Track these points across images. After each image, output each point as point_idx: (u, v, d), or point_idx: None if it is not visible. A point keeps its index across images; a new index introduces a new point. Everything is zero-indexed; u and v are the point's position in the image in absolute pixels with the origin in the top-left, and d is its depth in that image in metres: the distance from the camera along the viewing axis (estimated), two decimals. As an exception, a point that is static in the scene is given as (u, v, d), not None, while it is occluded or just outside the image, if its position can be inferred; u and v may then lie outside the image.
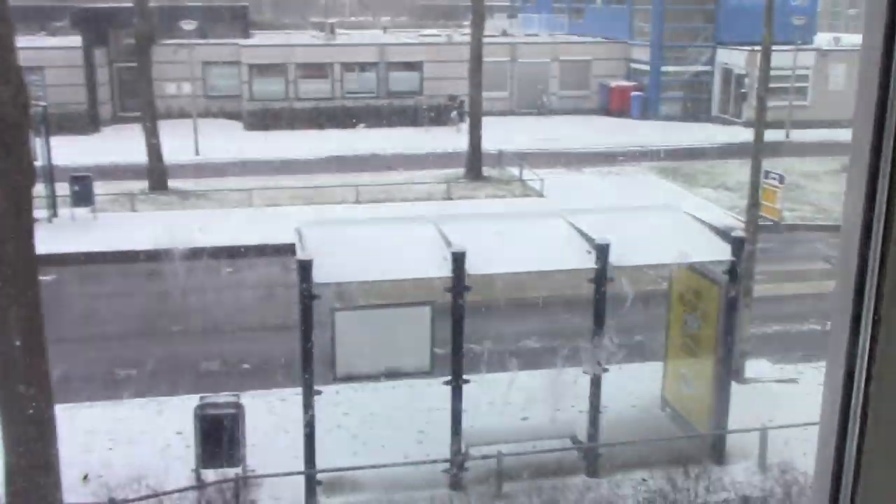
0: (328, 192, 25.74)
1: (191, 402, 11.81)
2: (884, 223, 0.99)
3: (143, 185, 26.30)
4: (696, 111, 40.88)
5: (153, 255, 19.52)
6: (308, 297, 10.57)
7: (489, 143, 29.41)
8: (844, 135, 30.62)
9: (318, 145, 33.41)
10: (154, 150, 26.32)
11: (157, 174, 26.49)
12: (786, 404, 13.28)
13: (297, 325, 10.77)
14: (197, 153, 31.30)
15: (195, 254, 19.76)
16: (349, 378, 11.88)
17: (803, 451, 11.48)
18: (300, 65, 40.04)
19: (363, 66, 40.86)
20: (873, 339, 0.98)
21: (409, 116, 38.57)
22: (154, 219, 23.25)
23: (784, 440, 11.70)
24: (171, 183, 26.75)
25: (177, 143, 29.96)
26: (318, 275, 10.64)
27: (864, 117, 1.01)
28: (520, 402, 13.27)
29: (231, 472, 10.99)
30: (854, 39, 48.94)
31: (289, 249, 16.99)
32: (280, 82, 39.72)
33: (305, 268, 10.56)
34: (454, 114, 37.34)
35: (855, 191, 1.03)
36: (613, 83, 41.99)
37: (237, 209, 24.26)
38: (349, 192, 25.60)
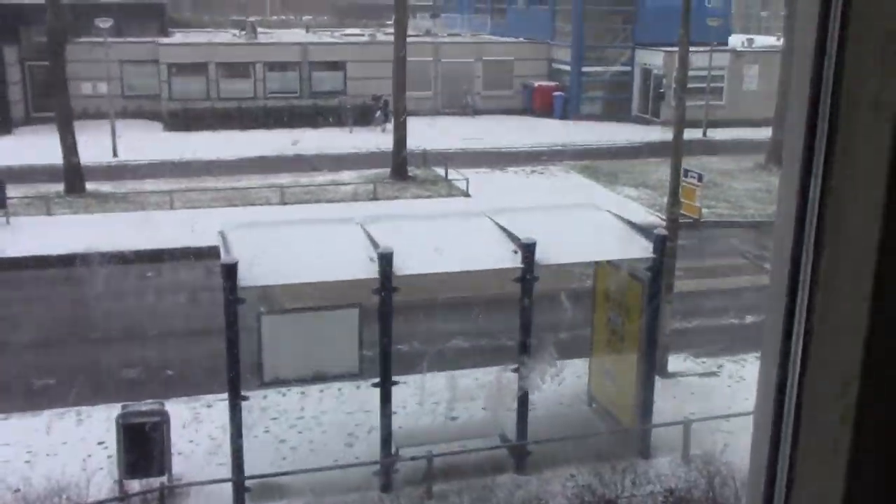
0: (252, 194, 25.42)
1: (113, 410, 11.52)
2: (816, 220, 1.01)
3: (60, 187, 25.53)
4: (616, 111, 41.61)
5: (70, 260, 18.96)
6: (233, 300, 10.42)
7: (414, 143, 29.42)
8: (758, 133, 31.57)
9: (240, 146, 32.94)
10: (70, 151, 25.58)
11: (73, 176, 25.74)
12: (707, 397, 13.63)
13: (222, 330, 10.60)
14: (115, 154, 30.54)
15: (114, 258, 19.27)
16: (277, 382, 11.74)
17: (725, 443, 11.80)
18: (221, 64, 39.43)
19: (286, 66, 40.45)
20: (807, 333, 1.01)
21: (333, 116, 38.29)
22: (71, 222, 22.61)
23: (706, 432, 12.00)
24: (89, 185, 26.04)
25: (94, 144, 29.16)
26: (243, 278, 10.49)
27: (797, 117, 1.04)
28: (449, 402, 13.33)
29: (156, 481, 10.75)
30: (767, 41, 50.51)
31: (212, 252, 16.73)
32: (201, 82, 39.04)
33: (230, 271, 10.40)
34: (379, 113, 37.24)
35: (788, 188, 1.05)
36: (536, 83, 42.45)
37: (158, 212, 23.74)
38: (273, 193, 25.31)
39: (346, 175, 28.55)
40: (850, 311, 0.95)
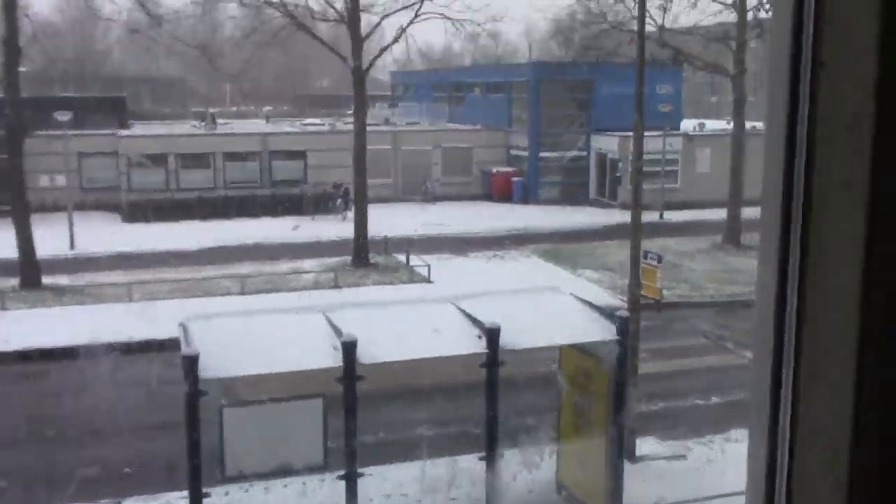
0: (212, 284, 25.19)
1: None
2: (797, 296, 1.01)
3: (15, 282, 25.10)
4: (574, 195, 42.28)
5: (24, 356, 18.52)
6: (194, 393, 10.20)
7: (375, 230, 29.52)
8: (713, 214, 32.12)
9: (200, 236, 32.80)
10: (26, 244, 25.25)
11: (29, 270, 25.35)
12: (676, 480, 13.51)
13: (182, 424, 10.34)
14: (72, 247, 30.20)
15: (71, 353, 18.86)
16: (239, 477, 11.43)
17: (696, 527, 11.67)
18: (181, 155, 39.55)
19: (246, 156, 40.69)
20: (794, 404, 1.00)
21: (293, 205, 38.41)
22: (25, 317, 22.16)
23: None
24: (46, 279, 25.64)
25: (51, 236, 28.85)
26: (205, 370, 10.31)
27: (773, 189, 1.05)
28: (416, 494, 13.04)
29: (112, 586, 10.30)
30: (717, 125, 51.95)
31: (172, 345, 16.46)
32: (160, 173, 39.06)
33: (191, 363, 10.21)
34: (339, 201, 37.43)
35: (768, 265, 1.06)
36: (494, 169, 43.09)
37: (116, 304, 23.38)
38: (234, 283, 25.11)
39: (307, 263, 28.48)
40: (835, 382, 0.95)
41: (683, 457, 14.59)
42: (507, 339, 11.47)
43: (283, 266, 28.05)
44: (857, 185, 0.93)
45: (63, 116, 30.43)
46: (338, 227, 34.11)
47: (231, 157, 40.37)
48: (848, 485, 0.94)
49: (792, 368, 1.01)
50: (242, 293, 24.32)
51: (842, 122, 0.93)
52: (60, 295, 24.58)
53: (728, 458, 14.35)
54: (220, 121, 49.70)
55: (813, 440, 0.98)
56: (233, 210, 37.33)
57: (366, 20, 29.34)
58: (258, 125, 51.26)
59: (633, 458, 14.07)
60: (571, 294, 13.65)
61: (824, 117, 0.94)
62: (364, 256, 28.34)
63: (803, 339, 1.00)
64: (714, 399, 17.24)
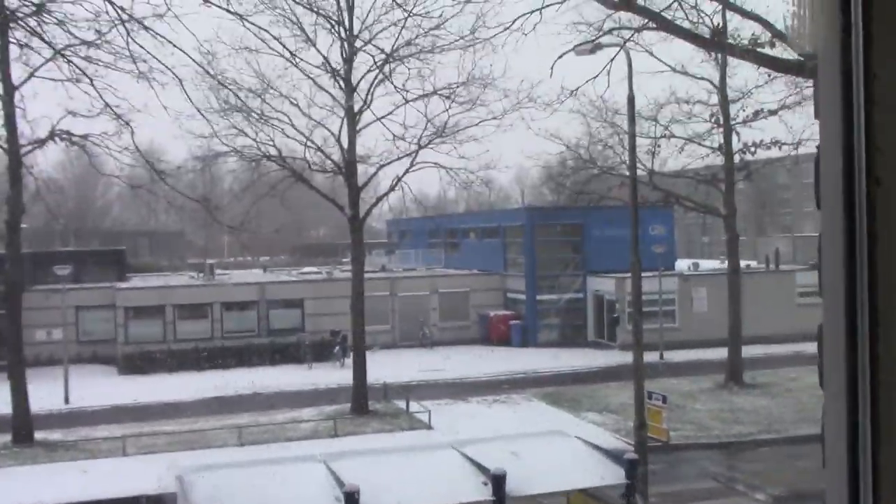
0: (209, 436, 24.69)
1: None
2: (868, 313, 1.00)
3: (7, 438, 24.59)
4: (573, 337, 42.22)
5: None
6: (191, 551, 9.82)
7: (374, 377, 29.25)
8: (713, 354, 31.95)
9: (197, 387, 32.43)
10: (20, 399, 24.91)
11: (21, 426, 24.89)
12: None
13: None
14: (67, 401, 29.78)
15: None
16: None
17: None
18: (178, 306, 39.64)
19: (243, 305, 40.80)
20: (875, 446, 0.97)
21: (291, 353, 38.23)
22: (15, 475, 21.56)
23: None
24: (39, 434, 25.12)
25: (46, 391, 28.51)
26: (202, 526, 9.96)
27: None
28: None
29: None
30: (710, 264, 52.53)
31: (169, 500, 15.95)
32: (157, 324, 39.04)
33: (188, 519, 9.87)
34: (337, 349, 37.25)
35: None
36: (492, 313, 43.17)
37: (109, 459, 22.82)
38: (231, 434, 24.62)
39: (305, 412, 28.04)
40: None
41: None
42: (513, 485, 11.16)
43: (282, 416, 27.60)
44: None
45: (62, 270, 30.66)
46: (336, 375, 33.80)
47: (228, 306, 40.47)
48: None
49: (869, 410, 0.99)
50: (240, 444, 23.80)
51: None
52: (52, 450, 24.02)
53: None
54: (218, 271, 50.11)
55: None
56: (230, 360, 37.10)
57: (362, 170, 30.12)
58: (256, 275, 51.65)
59: None
60: (577, 437, 13.39)
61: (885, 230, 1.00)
62: (363, 404, 27.94)
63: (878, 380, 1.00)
64: (729, 544, 16.64)
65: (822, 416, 1.20)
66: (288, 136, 29.00)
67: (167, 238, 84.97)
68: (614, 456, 12.57)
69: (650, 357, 28.47)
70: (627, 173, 23.59)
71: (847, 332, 1.02)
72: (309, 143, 28.82)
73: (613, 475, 11.83)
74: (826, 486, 1.17)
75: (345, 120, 28.14)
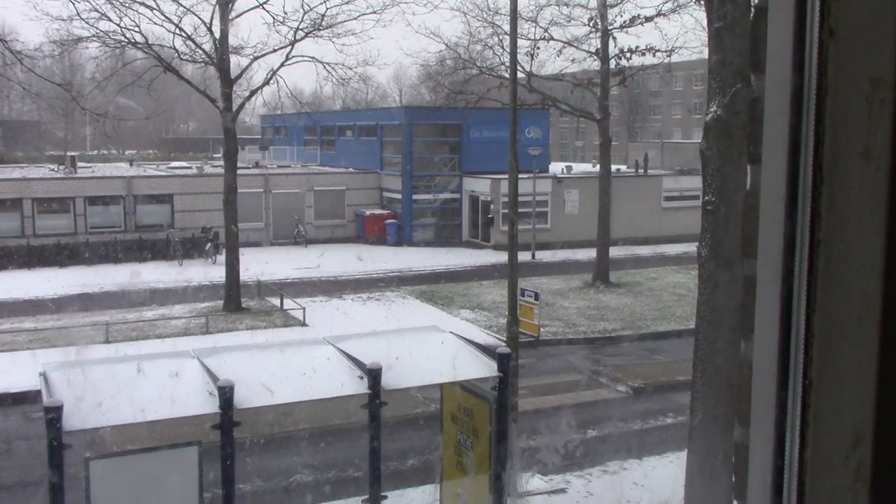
0: (74, 333, 23.94)
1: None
2: (807, 271, 0.96)
3: None
4: (448, 236, 42.70)
5: None
6: (57, 446, 9.56)
7: (248, 275, 28.87)
8: (583, 254, 33.04)
9: (59, 283, 31.22)
10: None
11: None
12: (558, 514, 13.60)
13: (44, 481, 9.67)
14: (-84, 297, 28.20)
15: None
16: (107, 534, 10.75)
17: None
18: (37, 199, 37.73)
19: (108, 200, 39.19)
20: (806, 386, 0.95)
21: (160, 250, 37.21)
22: None
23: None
24: None
25: None
26: (69, 421, 9.70)
27: (773, 171, 1.00)
28: (296, 541, 12.64)
29: None
30: (584, 167, 53.74)
31: (32, 397, 15.50)
32: (15, 218, 37.11)
33: (54, 414, 9.58)
34: (209, 246, 36.47)
35: (771, 233, 1.00)
36: (368, 211, 43.06)
37: (-34, 357, 21.86)
38: (98, 331, 23.95)
39: (176, 309, 27.53)
40: (855, 359, 0.90)
41: (564, 490, 14.72)
42: (388, 379, 11.32)
43: (151, 313, 27.00)
44: (875, 156, 0.88)
45: None
46: (208, 272, 33.17)
47: (92, 201, 38.80)
48: (872, 471, 0.88)
49: (802, 345, 0.95)
50: (107, 341, 23.20)
51: (856, 90, 0.89)
52: None
53: (605, 490, 14.58)
54: (80, 164, 47.77)
55: (830, 423, 0.92)
56: (95, 256, 35.77)
57: (235, 62, 28.99)
58: (122, 169, 49.55)
59: (516, 494, 14.08)
60: (451, 332, 13.63)
61: (835, 84, 0.90)
62: (236, 301, 27.62)
63: (814, 329, 0.93)
64: (591, 432, 17.54)
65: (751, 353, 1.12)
66: (155, 23, 27.53)
67: (22, 127, 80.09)
68: (487, 350, 12.89)
69: (523, 257, 29.12)
70: (507, 74, 23.58)
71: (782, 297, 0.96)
72: (178, 31, 27.44)
73: (486, 369, 12.15)
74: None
75: (216, 6, 26.84)
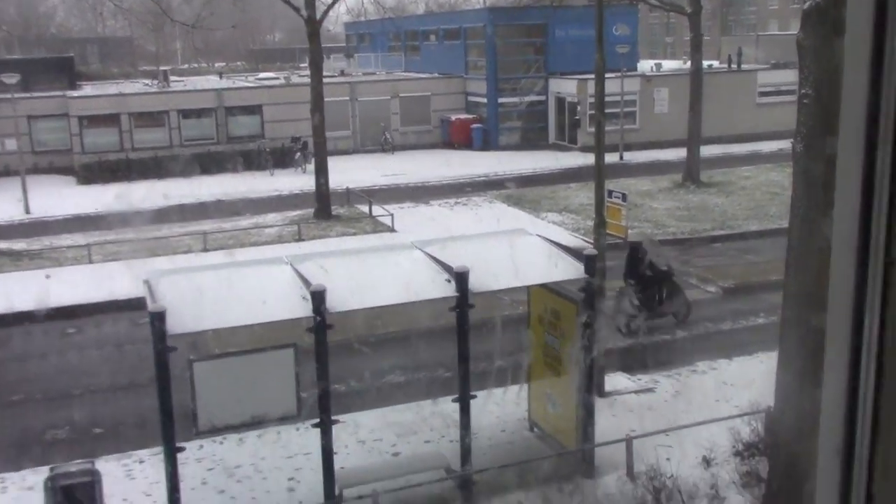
0: (173, 243, 24.89)
1: (40, 474, 11.01)
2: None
3: (-31, 248, 24.61)
4: (534, 140, 42.23)
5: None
6: (163, 349, 10.09)
7: (336, 183, 29.30)
8: (673, 154, 32.28)
9: (158, 195, 32.29)
10: (-21, 210, 24.72)
11: (-17, 236, 24.85)
12: (646, 413, 13.73)
13: (151, 383, 10.26)
14: (28, 211, 29.63)
15: (33, 316, 18.60)
16: (212, 431, 11.38)
17: (667, 457, 11.88)
18: (134, 114, 38.77)
19: (201, 112, 39.99)
20: (881, 343, 0.95)
21: (252, 160, 37.97)
22: (-16, 283, 21.73)
23: (648, 447, 12.06)
24: (1, 244, 25.15)
25: (4, 201, 28.26)
26: (172, 325, 10.20)
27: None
28: (391, 438, 13.14)
29: (91, 544, 10.27)
30: (673, 65, 52.00)
31: (136, 304, 16.26)
32: (114, 133, 38.30)
33: (158, 319, 10.08)
34: (298, 155, 37.04)
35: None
36: (453, 117, 42.83)
37: (76, 266, 23.03)
38: (195, 240, 24.82)
39: (269, 218, 28.24)
40: None
41: (651, 390, 14.81)
42: (476, 282, 11.46)
43: (245, 221, 27.78)
44: None
45: (10, 79, 29.59)
46: (298, 181, 33.80)
47: (185, 114, 39.65)
48: None
49: (883, 237, 0.95)
50: (205, 250, 24.06)
51: None
52: (17, 259, 24.14)
53: (693, 390, 14.61)
54: (172, 78, 48.70)
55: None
56: (190, 168, 36.76)
57: (317, -32, 28.74)
58: (212, 81, 50.31)
59: (603, 394, 14.26)
60: (538, 235, 13.65)
61: None
62: (326, 209, 28.15)
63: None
64: (679, 334, 17.50)
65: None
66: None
67: (116, 44, 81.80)
68: (574, 252, 12.89)
69: (610, 158, 28.61)
70: (592, -32, 22.75)
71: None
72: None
73: (573, 270, 12.17)
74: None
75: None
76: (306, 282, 11.22)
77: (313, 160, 29.62)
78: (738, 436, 12.15)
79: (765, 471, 11.27)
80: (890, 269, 0.94)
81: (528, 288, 13.12)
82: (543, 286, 12.71)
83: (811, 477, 10.16)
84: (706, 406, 13.65)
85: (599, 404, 13.02)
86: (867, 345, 0.98)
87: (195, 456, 12.17)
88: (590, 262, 12.05)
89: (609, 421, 13.21)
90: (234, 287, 11.41)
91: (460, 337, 11.54)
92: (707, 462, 11.86)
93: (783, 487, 10.66)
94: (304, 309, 10.83)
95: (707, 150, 32.82)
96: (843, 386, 1.02)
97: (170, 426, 10.29)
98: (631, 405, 14.23)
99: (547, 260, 12.52)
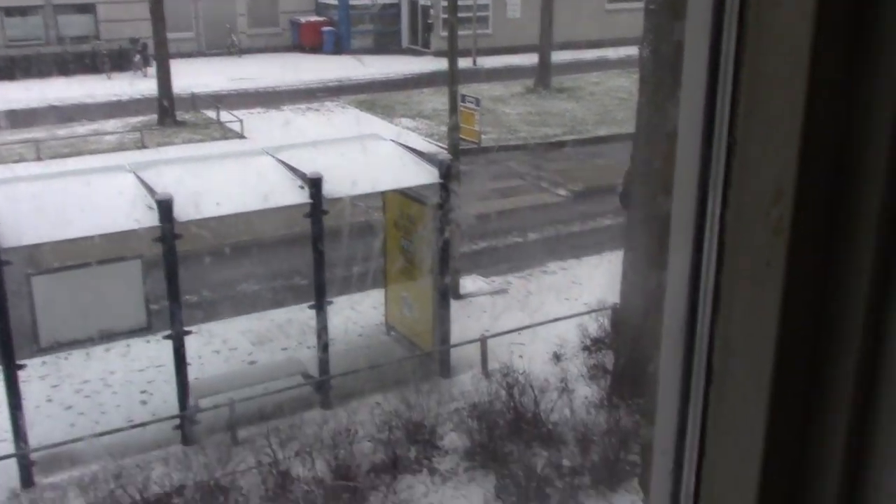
0: (2, 152, 23.24)
1: None
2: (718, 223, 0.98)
3: None
4: (387, 44, 41.49)
5: None
6: (-4, 263, 9.50)
7: (180, 87, 27.95)
8: (525, 59, 32.52)
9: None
10: None
11: None
12: (499, 313, 14.12)
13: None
14: None
15: None
16: (56, 347, 10.94)
17: (520, 354, 12.31)
18: (-53, 11, 35.47)
19: (26, 11, 36.99)
20: (730, 143, 0.95)
21: (87, 63, 35.60)
22: None
23: (502, 346, 12.45)
24: None
25: None
26: (5, 237, 9.60)
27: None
28: (246, 347, 13.00)
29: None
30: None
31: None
32: (-74, 31, 35.00)
33: (-11, 231, 9.45)
34: (137, 58, 35.01)
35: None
36: (303, 19, 41.44)
37: None
38: (27, 149, 23.27)
39: (109, 125, 26.74)
40: (780, 115, 0.89)
41: (505, 291, 15.22)
42: (329, 188, 11.30)
43: (83, 128, 26.22)
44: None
45: None
46: (139, 85, 32.02)
47: (9, 11, 36.59)
48: (791, 225, 0.89)
49: (728, 102, 0.95)
50: (38, 159, 22.61)
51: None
52: None
53: (545, 290, 15.11)
54: (-9, -29, 44.68)
55: (752, 179, 0.93)
56: (16, 71, 34.13)
57: None
58: (37, -24, 46.48)
59: (458, 296, 14.54)
60: (392, 140, 13.54)
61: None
62: (171, 115, 26.89)
63: (742, 86, 0.94)
64: (531, 236, 17.95)
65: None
66: None
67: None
68: (428, 157, 12.88)
69: (463, 63, 28.54)
70: None
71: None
72: None
73: (428, 175, 12.18)
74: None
75: None
76: (151, 190, 10.75)
77: (154, 63, 28.09)
78: (586, 332, 12.71)
79: (610, 363, 11.88)
80: (733, 148, 0.95)
81: (383, 193, 13.06)
82: (398, 191, 12.68)
83: (652, 362, 10.79)
84: (557, 305, 14.16)
85: (455, 306, 13.27)
86: (710, 224, 1.01)
87: (38, 373, 11.65)
88: (444, 167, 12.09)
89: (464, 322, 13.52)
90: (72, 197, 10.79)
91: (315, 244, 11.41)
92: (557, 357, 12.37)
93: (627, 375, 11.28)
94: (150, 218, 10.41)
95: (558, 56, 33.21)
96: (688, 265, 1.05)
97: (8, 343, 9.79)
98: (485, 306, 14.58)
99: (401, 165, 12.47)
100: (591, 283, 14.77)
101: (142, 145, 24.06)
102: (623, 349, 11.48)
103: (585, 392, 11.43)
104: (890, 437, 0.90)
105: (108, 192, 11.06)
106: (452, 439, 10.56)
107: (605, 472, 9.67)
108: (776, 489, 0.98)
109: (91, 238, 10.60)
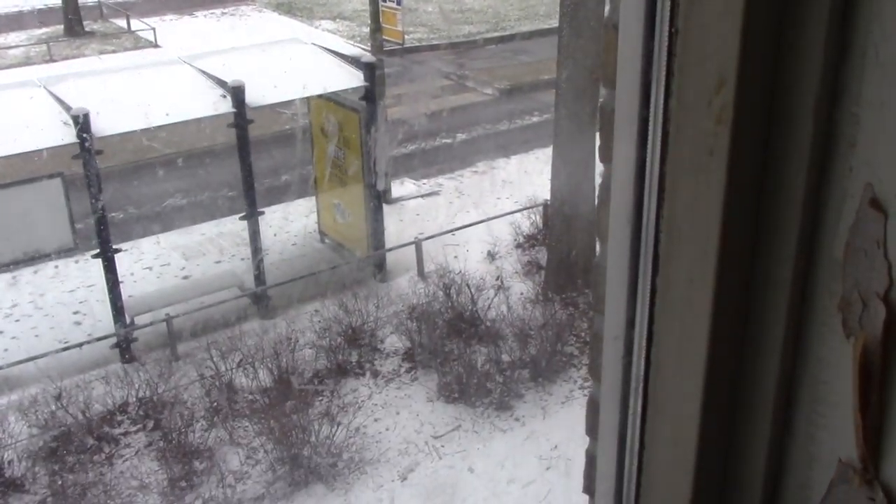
0: None
1: None
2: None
3: None
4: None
5: None
6: None
7: (86, -5, 26.66)
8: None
9: None
10: None
11: None
12: (432, 215, 14.17)
13: None
14: None
15: None
16: (-21, 272, 10.64)
17: (454, 255, 12.43)
18: None
19: None
20: (672, 32, 0.95)
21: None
22: None
23: (437, 248, 12.53)
24: None
25: None
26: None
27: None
28: (179, 262, 12.84)
29: None
30: None
31: None
32: None
33: None
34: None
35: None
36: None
37: None
38: (-74, 66, 22.07)
39: (11, 38, 25.45)
40: (722, 3, 0.89)
41: (437, 193, 15.23)
42: (253, 96, 11.04)
43: (-17, 43, 24.92)
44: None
45: None
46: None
47: None
48: (734, 114, 0.91)
49: (668, 7, 0.95)
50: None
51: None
52: None
53: (476, 189, 15.17)
54: None
55: (695, 67, 0.94)
56: None
57: None
58: None
59: (390, 200, 14.50)
60: (314, 44, 13.20)
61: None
62: (78, 24, 25.69)
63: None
64: (460, 136, 17.89)
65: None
66: None
67: None
68: (352, 60, 12.61)
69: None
70: None
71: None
72: None
73: (352, 79, 11.95)
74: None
75: None
76: (66, 105, 10.35)
77: (56, -30, 26.62)
78: (518, 230, 12.86)
79: (544, 259, 12.09)
80: (674, 38, 0.95)
81: (308, 99, 12.81)
82: (323, 96, 12.44)
83: (583, 255, 10.96)
84: (489, 204, 14.26)
85: (387, 210, 13.25)
86: (653, 114, 1.02)
87: (-40, 300, 11.37)
88: (369, 69, 11.87)
89: (398, 225, 13.54)
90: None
91: (242, 154, 11.21)
92: (492, 256, 12.53)
93: (561, 270, 11.52)
94: (66, 135, 10.05)
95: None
96: (633, 155, 1.06)
97: (-71, 272, 9.48)
98: (418, 209, 14.60)
99: (325, 69, 12.20)
100: (522, 180, 14.87)
101: (49, 59, 23.01)
102: (556, 245, 11.68)
103: (521, 288, 11.65)
104: (825, 311, 0.95)
105: (20, 110, 10.62)
106: (393, 342, 10.71)
107: (543, 364, 9.95)
108: (723, 366, 1.03)
109: (5, 158, 10.23)
